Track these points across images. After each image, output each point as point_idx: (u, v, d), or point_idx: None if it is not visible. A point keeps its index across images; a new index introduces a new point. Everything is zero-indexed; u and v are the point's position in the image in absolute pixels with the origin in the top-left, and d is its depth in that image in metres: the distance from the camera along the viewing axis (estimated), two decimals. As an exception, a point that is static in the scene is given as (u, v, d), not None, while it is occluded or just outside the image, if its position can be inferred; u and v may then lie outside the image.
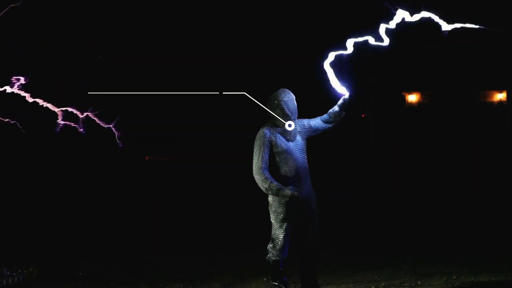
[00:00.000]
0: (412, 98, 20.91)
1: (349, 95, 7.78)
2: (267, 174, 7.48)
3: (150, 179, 18.24)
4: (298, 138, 7.76)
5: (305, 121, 7.84)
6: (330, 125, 7.89)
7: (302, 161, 7.73)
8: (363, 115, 19.77)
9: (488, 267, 9.17)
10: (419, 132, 19.69)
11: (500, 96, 20.46)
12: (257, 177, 7.52)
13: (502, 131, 19.59)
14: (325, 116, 7.85)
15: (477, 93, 20.60)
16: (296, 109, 7.72)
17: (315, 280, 7.77)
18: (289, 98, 7.71)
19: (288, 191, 7.34)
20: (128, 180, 17.80)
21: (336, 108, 7.75)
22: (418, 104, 20.94)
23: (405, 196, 15.81)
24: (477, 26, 8.02)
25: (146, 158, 21.42)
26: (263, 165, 7.50)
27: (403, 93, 20.64)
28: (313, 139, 7.91)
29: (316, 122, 7.88)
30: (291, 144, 7.69)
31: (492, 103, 20.53)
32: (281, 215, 7.56)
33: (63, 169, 18.37)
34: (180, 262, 10.10)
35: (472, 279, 8.64)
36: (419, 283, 8.53)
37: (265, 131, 7.63)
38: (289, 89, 7.80)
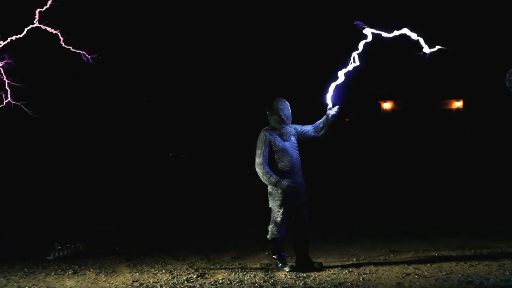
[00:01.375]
0: (387, 105, 21.01)
1: (334, 114, 8.03)
2: (267, 168, 7.77)
3: (173, 172, 18.23)
4: (293, 138, 8.02)
5: (298, 126, 8.10)
6: (317, 135, 8.14)
7: (295, 157, 7.99)
8: (347, 119, 19.91)
9: (449, 244, 9.27)
10: (392, 132, 19.87)
11: (458, 104, 20.60)
12: (259, 171, 7.81)
13: (459, 132, 19.76)
14: (313, 126, 8.15)
15: (439, 102, 20.72)
16: (291, 115, 7.98)
17: (306, 254, 8.03)
18: (285, 106, 7.97)
19: (285, 183, 7.67)
20: (155, 172, 17.81)
21: (320, 123, 8.08)
22: (392, 110, 21.06)
23: (380, 183, 15.97)
24: (440, 47, 8.18)
25: (170, 154, 21.34)
26: (264, 161, 7.78)
27: (379, 102, 20.77)
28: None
29: (307, 128, 8.14)
30: (287, 143, 7.94)
31: (451, 109, 20.68)
32: (279, 202, 7.83)
33: (108, 164, 18.33)
34: (195, 239, 10.06)
35: (435, 253, 8.77)
36: (392, 256, 8.67)
37: (265, 133, 7.90)
38: (285, 98, 8.04)
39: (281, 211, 7.88)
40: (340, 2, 18.57)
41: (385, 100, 20.80)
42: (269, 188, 7.95)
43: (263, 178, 7.84)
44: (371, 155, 18.91)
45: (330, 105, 8.01)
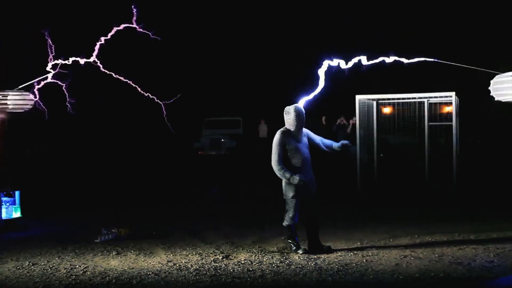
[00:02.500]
0: (386, 110, 20.99)
1: (337, 149, 8.31)
2: (282, 165, 7.88)
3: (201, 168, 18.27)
4: (304, 139, 8.15)
5: (309, 132, 8.28)
6: (322, 148, 8.36)
7: (306, 155, 8.10)
8: (352, 122, 19.90)
9: (440, 230, 9.28)
10: (390, 132, 19.87)
11: (448, 108, 20.52)
12: (275, 167, 7.93)
13: (449, 133, 19.73)
14: (321, 140, 8.33)
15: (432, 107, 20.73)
16: (304, 121, 8.09)
17: (317, 239, 8.12)
18: (301, 113, 8.06)
19: (296, 178, 7.79)
20: (186, 168, 17.84)
21: (327, 143, 8.34)
22: (391, 114, 21.04)
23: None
24: (437, 60, 8.19)
25: (200, 152, 21.44)
26: (279, 159, 7.90)
27: (380, 106, 20.76)
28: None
29: (315, 138, 8.31)
30: (299, 143, 8.05)
31: (442, 113, 20.61)
32: (292, 193, 7.94)
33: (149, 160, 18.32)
34: (222, 225, 10.06)
35: (428, 238, 8.78)
36: (391, 240, 8.70)
37: (280, 135, 8.02)
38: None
39: (294, 202, 8.00)
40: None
41: (385, 106, 20.79)
42: (284, 182, 8.04)
43: (278, 173, 7.96)
44: (372, 150, 18.98)
45: (339, 144, 8.27)
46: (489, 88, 7.96)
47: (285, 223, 8.10)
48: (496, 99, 8.21)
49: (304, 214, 8.12)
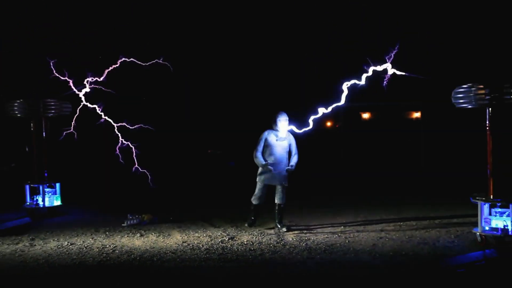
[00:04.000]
0: (365, 115, 20.99)
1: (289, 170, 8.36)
2: (259, 154, 8.22)
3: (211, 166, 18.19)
4: (285, 142, 8.26)
5: (293, 141, 8.36)
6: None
7: (279, 154, 8.28)
8: (337, 125, 19.89)
9: (410, 215, 9.27)
10: (368, 134, 19.88)
11: (416, 114, 20.55)
12: (254, 154, 8.28)
13: (418, 136, 19.75)
14: (292, 155, 8.39)
15: (403, 113, 20.74)
16: (287, 126, 8.24)
17: (278, 221, 8.37)
18: (283, 119, 8.22)
19: (264, 162, 8.19)
20: (196, 166, 17.78)
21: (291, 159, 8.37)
22: (369, 119, 21.05)
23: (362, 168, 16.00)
24: (405, 73, 8.15)
25: (209, 151, 21.24)
26: (258, 149, 8.24)
27: (360, 112, 20.74)
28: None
29: (292, 148, 8.38)
30: (277, 143, 8.22)
31: (412, 118, 20.66)
32: (260, 178, 8.34)
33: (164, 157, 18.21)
34: (228, 212, 9.97)
35: (400, 222, 8.77)
36: (369, 224, 8.69)
37: (265, 132, 8.30)
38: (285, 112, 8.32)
39: (260, 186, 8.39)
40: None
41: (364, 112, 20.80)
42: (259, 168, 8.34)
43: (255, 160, 8.29)
44: (353, 149, 19.00)
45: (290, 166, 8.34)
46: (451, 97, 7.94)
47: (252, 200, 8.50)
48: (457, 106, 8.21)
49: (274, 201, 8.40)
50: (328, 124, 20.79)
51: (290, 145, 8.34)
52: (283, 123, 8.22)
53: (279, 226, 8.33)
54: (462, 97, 7.31)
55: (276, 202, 8.40)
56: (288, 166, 8.29)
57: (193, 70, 18.69)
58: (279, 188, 8.36)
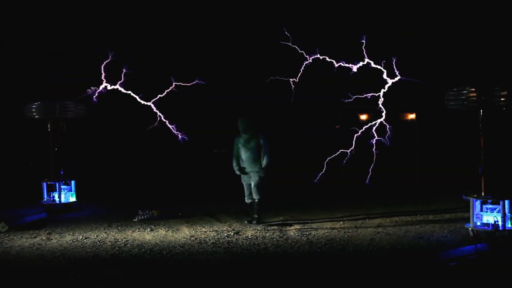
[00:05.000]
0: (363, 117, 20.96)
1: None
2: (233, 161, 8.53)
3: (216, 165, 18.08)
4: (253, 143, 8.40)
5: (262, 140, 8.43)
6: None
7: (248, 154, 8.42)
8: (336, 126, 19.85)
9: (406, 211, 9.25)
10: (366, 136, 19.81)
11: (412, 116, 20.53)
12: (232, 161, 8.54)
13: (414, 137, 19.71)
14: (262, 154, 8.41)
15: (398, 114, 20.71)
16: (246, 130, 8.42)
17: (258, 216, 8.49)
18: (242, 125, 8.44)
19: (235, 168, 8.51)
20: (202, 164, 17.70)
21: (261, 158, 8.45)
22: (366, 120, 20.99)
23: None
24: (400, 77, 8.14)
25: (214, 150, 21.10)
26: (233, 156, 8.53)
27: (358, 114, 20.73)
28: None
29: (262, 147, 8.41)
30: (244, 147, 8.42)
31: (407, 120, 20.63)
32: (242, 179, 8.60)
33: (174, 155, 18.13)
34: (233, 208, 9.90)
35: (396, 218, 8.75)
36: (367, 219, 8.69)
37: (235, 139, 8.57)
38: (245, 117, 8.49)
39: (244, 185, 8.62)
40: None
41: (362, 113, 20.76)
42: None
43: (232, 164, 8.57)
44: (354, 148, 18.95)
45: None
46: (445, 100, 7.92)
47: (245, 200, 8.71)
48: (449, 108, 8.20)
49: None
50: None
51: (259, 146, 8.43)
52: (241, 128, 8.44)
53: (254, 222, 8.44)
54: (454, 99, 7.30)
55: (253, 197, 8.51)
56: (261, 168, 8.39)
57: (194, 70, 18.47)
58: (253, 186, 8.45)
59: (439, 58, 16.98)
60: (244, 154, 8.45)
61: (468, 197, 7.23)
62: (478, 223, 7.13)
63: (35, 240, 7.64)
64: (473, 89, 7.07)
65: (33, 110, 10.06)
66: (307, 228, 8.05)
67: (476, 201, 7.16)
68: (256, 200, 8.46)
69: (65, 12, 16.34)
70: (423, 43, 16.86)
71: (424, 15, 17.00)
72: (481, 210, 7.14)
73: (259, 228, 8.12)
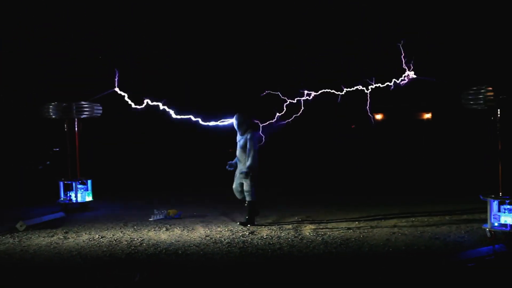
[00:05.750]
0: (378, 116, 20.85)
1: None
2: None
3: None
4: (242, 141, 8.28)
5: (249, 139, 8.22)
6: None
7: (239, 152, 8.34)
8: (352, 126, 19.81)
9: (422, 212, 9.17)
10: (381, 135, 19.74)
11: (427, 115, 20.38)
12: None
13: (428, 136, 19.57)
14: (246, 150, 8.25)
15: (414, 114, 20.58)
16: (237, 126, 8.29)
17: (250, 217, 8.36)
18: (235, 120, 8.31)
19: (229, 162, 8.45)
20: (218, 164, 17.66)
21: (245, 158, 8.27)
22: (382, 120, 20.91)
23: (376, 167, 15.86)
24: (417, 76, 8.07)
25: (230, 150, 21.11)
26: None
27: (373, 113, 20.60)
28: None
29: (247, 142, 8.24)
30: (237, 142, 8.37)
31: (423, 119, 20.52)
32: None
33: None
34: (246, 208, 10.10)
35: (412, 218, 8.68)
36: (382, 220, 8.62)
37: None
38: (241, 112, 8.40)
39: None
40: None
41: (377, 113, 20.66)
42: None
43: None
44: (369, 149, 18.88)
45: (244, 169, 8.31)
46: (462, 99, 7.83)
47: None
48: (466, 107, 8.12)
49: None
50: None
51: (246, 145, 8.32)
52: (234, 124, 8.33)
53: (242, 223, 8.36)
54: (471, 99, 7.24)
55: (243, 195, 8.40)
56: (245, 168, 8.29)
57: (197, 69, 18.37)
58: (244, 187, 8.34)
59: (455, 58, 16.82)
60: (236, 151, 8.39)
61: (486, 198, 7.14)
62: (496, 224, 7.04)
63: (52, 239, 7.70)
64: (491, 89, 7.01)
65: (50, 110, 10.14)
66: (322, 228, 8.00)
67: (493, 201, 7.07)
68: (246, 202, 8.36)
69: (85, 13, 16.44)
70: (439, 43, 16.70)
71: (440, 15, 16.85)
72: (499, 210, 7.04)
73: (274, 228, 8.09)
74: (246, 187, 8.29)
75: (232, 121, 8.35)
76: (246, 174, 8.17)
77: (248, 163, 8.17)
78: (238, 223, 8.44)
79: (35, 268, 6.25)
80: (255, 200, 8.32)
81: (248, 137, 8.20)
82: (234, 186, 8.51)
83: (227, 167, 8.44)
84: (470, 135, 16.92)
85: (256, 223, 8.45)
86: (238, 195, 8.54)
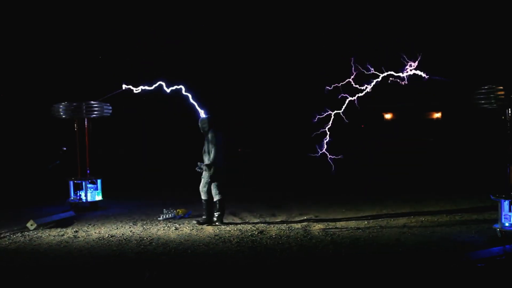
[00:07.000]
0: (388, 116, 20.74)
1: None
2: None
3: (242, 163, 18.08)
4: (206, 141, 8.39)
5: (209, 138, 8.33)
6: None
7: (204, 152, 8.38)
8: (362, 125, 19.74)
9: (431, 212, 9.14)
10: (390, 134, 19.68)
11: (437, 115, 20.25)
12: None
13: (438, 135, 19.48)
14: (207, 150, 8.34)
15: (424, 113, 20.44)
16: (201, 129, 8.43)
17: (219, 216, 8.41)
18: (199, 121, 8.47)
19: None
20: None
21: (208, 155, 8.34)
22: (391, 119, 20.80)
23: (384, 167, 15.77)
24: (428, 75, 8.03)
25: (239, 150, 21.15)
26: None
27: (382, 113, 20.51)
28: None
29: (208, 141, 8.33)
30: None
31: (432, 119, 20.39)
32: None
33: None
34: (257, 208, 9.97)
35: (422, 218, 8.64)
36: (392, 220, 8.57)
37: None
38: (205, 116, 8.46)
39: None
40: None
41: (386, 112, 20.56)
42: None
43: None
44: (376, 145, 18.84)
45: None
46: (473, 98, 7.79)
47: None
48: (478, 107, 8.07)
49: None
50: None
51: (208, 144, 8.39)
52: (200, 125, 8.44)
53: (215, 222, 8.41)
54: (482, 98, 7.20)
55: (206, 194, 8.43)
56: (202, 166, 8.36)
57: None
58: (207, 186, 8.40)
59: (465, 57, 16.72)
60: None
61: (496, 198, 7.09)
62: (507, 224, 6.99)
63: (62, 238, 7.74)
64: (501, 87, 6.97)
65: (60, 110, 10.19)
66: (331, 228, 7.98)
67: (504, 201, 7.02)
68: (216, 201, 8.40)
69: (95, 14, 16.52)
70: (447, 42, 16.61)
71: (450, 15, 16.77)
72: (510, 210, 6.99)
73: (284, 227, 8.08)
74: (213, 187, 8.36)
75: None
76: (208, 168, 8.26)
77: (207, 160, 8.30)
78: (195, 221, 8.50)
79: (45, 266, 6.28)
80: (223, 198, 8.40)
81: (209, 136, 8.34)
82: (200, 186, 8.53)
83: (196, 168, 8.44)
84: (481, 134, 16.82)
85: (265, 223, 8.45)
86: (202, 195, 8.51)
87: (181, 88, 8.74)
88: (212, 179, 8.36)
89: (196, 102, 8.60)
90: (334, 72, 8.84)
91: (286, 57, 18.76)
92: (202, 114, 8.53)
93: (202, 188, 8.46)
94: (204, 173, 8.40)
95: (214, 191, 8.39)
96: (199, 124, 8.49)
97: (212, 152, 8.26)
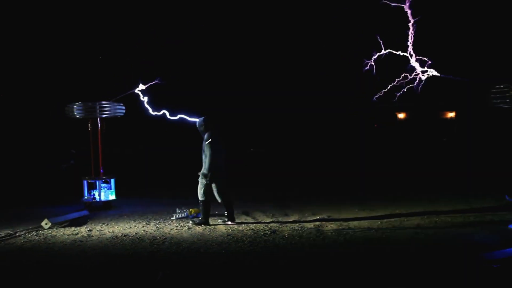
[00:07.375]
0: (401, 115, 20.64)
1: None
2: None
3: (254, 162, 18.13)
4: (203, 143, 8.31)
5: (204, 143, 8.28)
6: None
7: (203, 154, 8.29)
8: (375, 125, 19.67)
9: (446, 211, 9.06)
10: (404, 133, 19.57)
11: (451, 114, 20.12)
12: None
13: (451, 134, 19.34)
14: (206, 153, 8.25)
15: (438, 112, 20.31)
16: (198, 130, 8.46)
17: (229, 215, 8.50)
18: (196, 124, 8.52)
19: None
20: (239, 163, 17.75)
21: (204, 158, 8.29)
22: (404, 119, 20.72)
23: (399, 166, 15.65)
24: (439, 74, 7.98)
25: (251, 149, 21.17)
26: None
27: (396, 113, 20.43)
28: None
29: (204, 144, 8.27)
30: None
31: (446, 118, 20.26)
32: None
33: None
34: (270, 208, 9.98)
35: (436, 218, 8.58)
36: (405, 220, 8.52)
37: None
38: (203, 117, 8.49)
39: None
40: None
41: (399, 112, 20.47)
42: None
43: None
44: (391, 148, 18.72)
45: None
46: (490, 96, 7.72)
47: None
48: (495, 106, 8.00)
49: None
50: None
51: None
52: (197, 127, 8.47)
53: (225, 219, 8.53)
54: (497, 97, 7.14)
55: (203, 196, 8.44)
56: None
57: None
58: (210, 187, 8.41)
59: (480, 56, 16.59)
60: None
61: (512, 198, 7.03)
62: (522, 224, 6.91)
63: (76, 237, 7.80)
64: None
65: (74, 110, 10.27)
66: (344, 228, 7.95)
67: (520, 201, 6.95)
68: (221, 202, 8.44)
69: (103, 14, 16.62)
70: (465, 41, 16.49)
71: (465, 15, 16.64)
72: (525, 211, 6.92)
73: (296, 228, 8.07)
74: (214, 189, 8.37)
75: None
76: (204, 176, 8.27)
77: (204, 164, 8.28)
78: (191, 222, 8.52)
79: (60, 265, 6.33)
80: (226, 198, 8.44)
81: (205, 139, 8.30)
82: (198, 188, 8.51)
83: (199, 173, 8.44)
84: (495, 133, 16.67)
85: (278, 222, 8.46)
86: (199, 196, 8.50)
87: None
88: (211, 182, 8.35)
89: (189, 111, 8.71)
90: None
91: (289, 58, 18.76)
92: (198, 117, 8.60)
93: (199, 190, 8.47)
94: (201, 176, 8.43)
95: (215, 194, 8.41)
96: (197, 125, 8.52)
97: (207, 160, 8.20)
